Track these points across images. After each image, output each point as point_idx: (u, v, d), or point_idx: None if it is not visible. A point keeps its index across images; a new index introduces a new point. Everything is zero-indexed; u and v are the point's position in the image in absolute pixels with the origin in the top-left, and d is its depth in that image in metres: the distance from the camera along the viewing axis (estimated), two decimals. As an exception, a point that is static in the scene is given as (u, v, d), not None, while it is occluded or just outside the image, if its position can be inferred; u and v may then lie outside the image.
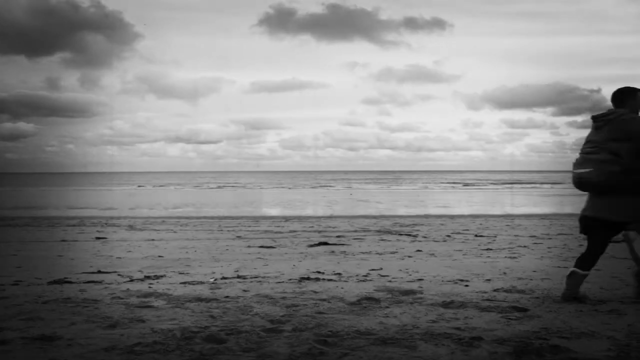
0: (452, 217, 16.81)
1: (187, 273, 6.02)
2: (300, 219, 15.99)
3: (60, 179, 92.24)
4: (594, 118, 4.31)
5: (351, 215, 18.30)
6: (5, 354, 3.01)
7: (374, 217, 17.14)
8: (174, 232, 11.81)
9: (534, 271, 5.95)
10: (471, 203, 27.83)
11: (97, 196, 37.50)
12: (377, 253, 7.93)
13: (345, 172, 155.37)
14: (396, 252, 8.05)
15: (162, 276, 5.76)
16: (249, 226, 13.21)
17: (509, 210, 21.99)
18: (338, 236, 10.56)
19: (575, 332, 3.41)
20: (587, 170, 4.19)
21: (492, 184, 60.60)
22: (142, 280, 5.51)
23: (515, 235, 10.53)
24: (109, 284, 5.26)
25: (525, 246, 8.67)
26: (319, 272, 5.96)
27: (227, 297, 4.54)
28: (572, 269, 4.32)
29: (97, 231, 11.97)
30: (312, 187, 54.00)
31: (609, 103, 4.36)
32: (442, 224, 13.49)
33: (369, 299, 4.43)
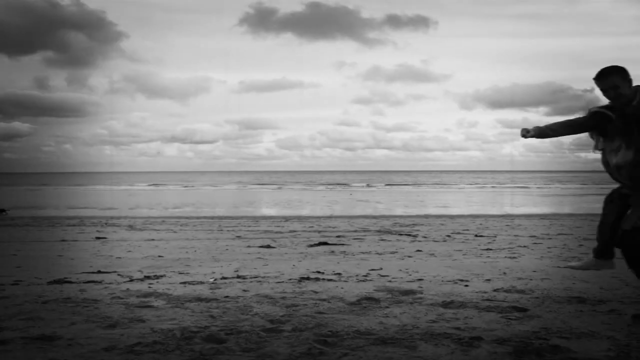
0: (452, 217, 16.81)
1: (187, 273, 6.02)
2: (300, 219, 15.99)
3: (61, 178, 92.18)
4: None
5: (351, 215, 18.31)
6: (5, 354, 3.01)
7: (374, 217, 17.14)
8: (174, 232, 11.81)
9: (534, 271, 5.94)
10: (471, 203, 27.83)
11: (97, 196, 37.53)
12: (377, 253, 7.93)
13: (349, 172, 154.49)
14: (396, 252, 8.06)
15: (162, 276, 5.76)
16: (249, 226, 13.21)
17: (509, 210, 22.01)
18: (338, 236, 10.56)
19: (575, 332, 3.41)
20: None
21: (513, 186, 54.81)
22: (142, 280, 5.50)
23: (515, 235, 10.53)
24: (108, 283, 5.26)
25: (525, 246, 8.67)
26: (318, 272, 5.96)
27: (227, 297, 4.53)
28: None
29: (97, 231, 11.98)
30: (329, 186, 53.32)
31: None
32: (442, 224, 13.49)
33: (369, 299, 4.43)
